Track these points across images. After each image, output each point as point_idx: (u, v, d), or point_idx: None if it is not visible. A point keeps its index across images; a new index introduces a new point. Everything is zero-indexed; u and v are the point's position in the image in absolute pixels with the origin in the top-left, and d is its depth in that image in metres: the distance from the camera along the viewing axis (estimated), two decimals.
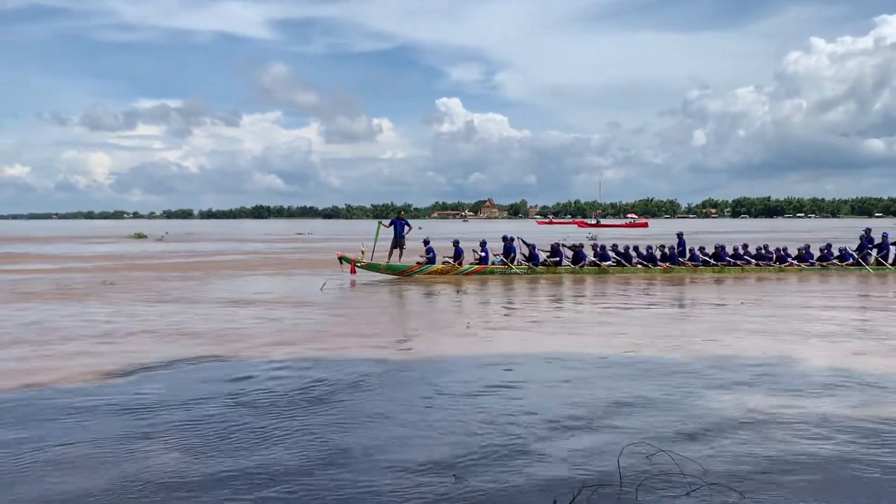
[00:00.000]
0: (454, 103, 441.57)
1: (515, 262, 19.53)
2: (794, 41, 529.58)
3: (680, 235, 21.01)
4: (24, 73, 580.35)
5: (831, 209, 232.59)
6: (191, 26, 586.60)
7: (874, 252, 20.58)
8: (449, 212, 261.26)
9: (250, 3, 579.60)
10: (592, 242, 20.91)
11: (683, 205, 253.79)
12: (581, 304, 14.31)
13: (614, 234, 54.21)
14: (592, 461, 4.97)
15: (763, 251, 20.75)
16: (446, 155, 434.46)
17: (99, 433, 5.59)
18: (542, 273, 19.39)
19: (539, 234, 50.93)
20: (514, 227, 74.26)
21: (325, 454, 5.12)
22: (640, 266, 19.81)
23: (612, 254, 20.06)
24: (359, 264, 18.85)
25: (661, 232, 57.84)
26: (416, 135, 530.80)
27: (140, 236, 51.08)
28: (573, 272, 19.51)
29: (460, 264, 19.39)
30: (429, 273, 19.16)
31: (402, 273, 19.17)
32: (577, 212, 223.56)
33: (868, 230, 21.28)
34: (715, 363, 8.13)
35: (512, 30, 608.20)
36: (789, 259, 20.43)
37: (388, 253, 19.76)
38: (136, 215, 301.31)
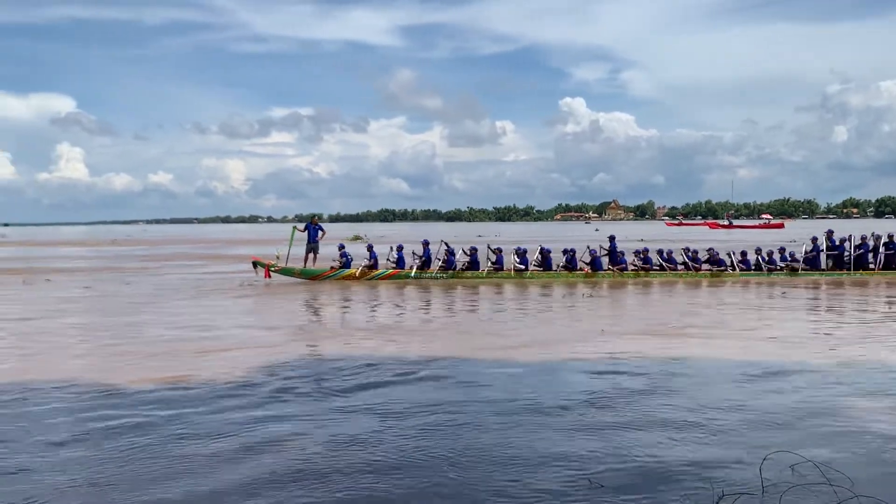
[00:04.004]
0: (578, 103, 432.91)
1: (433, 268, 19.79)
2: None
3: (612, 239, 20.62)
4: (167, 85, 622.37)
5: None
6: (320, 36, 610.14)
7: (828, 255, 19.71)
8: (572, 213, 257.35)
9: (377, 11, 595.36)
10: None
11: (822, 204, 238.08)
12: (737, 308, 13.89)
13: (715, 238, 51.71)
14: (733, 469, 4.92)
15: (695, 254, 20.38)
16: (570, 156, 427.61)
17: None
18: (459, 278, 19.43)
19: (667, 236, 49.48)
20: (641, 230, 72.49)
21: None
22: (562, 271, 19.84)
23: (532, 259, 20.08)
24: (273, 269, 19.33)
25: (797, 234, 54.58)
26: (539, 136, 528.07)
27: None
28: (492, 278, 19.45)
29: (375, 268, 19.57)
30: (343, 277, 19.36)
31: (317, 277, 19.38)
32: (707, 212, 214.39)
33: (830, 231, 20.30)
34: (858, 370, 7.76)
35: (638, 27, 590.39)
36: (723, 264, 19.87)
37: (303, 258, 20.08)
38: (269, 219, 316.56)
